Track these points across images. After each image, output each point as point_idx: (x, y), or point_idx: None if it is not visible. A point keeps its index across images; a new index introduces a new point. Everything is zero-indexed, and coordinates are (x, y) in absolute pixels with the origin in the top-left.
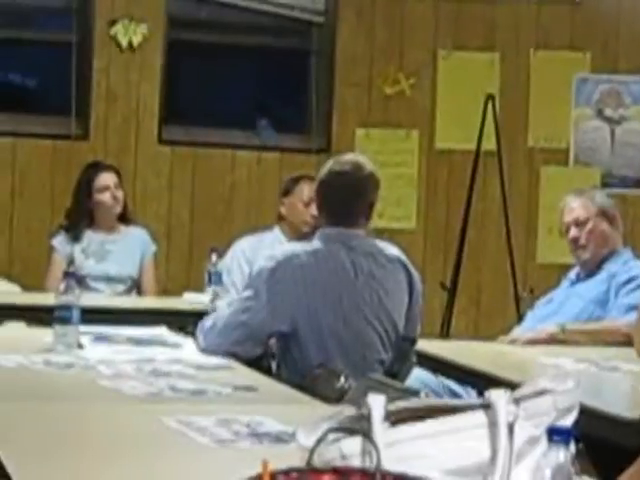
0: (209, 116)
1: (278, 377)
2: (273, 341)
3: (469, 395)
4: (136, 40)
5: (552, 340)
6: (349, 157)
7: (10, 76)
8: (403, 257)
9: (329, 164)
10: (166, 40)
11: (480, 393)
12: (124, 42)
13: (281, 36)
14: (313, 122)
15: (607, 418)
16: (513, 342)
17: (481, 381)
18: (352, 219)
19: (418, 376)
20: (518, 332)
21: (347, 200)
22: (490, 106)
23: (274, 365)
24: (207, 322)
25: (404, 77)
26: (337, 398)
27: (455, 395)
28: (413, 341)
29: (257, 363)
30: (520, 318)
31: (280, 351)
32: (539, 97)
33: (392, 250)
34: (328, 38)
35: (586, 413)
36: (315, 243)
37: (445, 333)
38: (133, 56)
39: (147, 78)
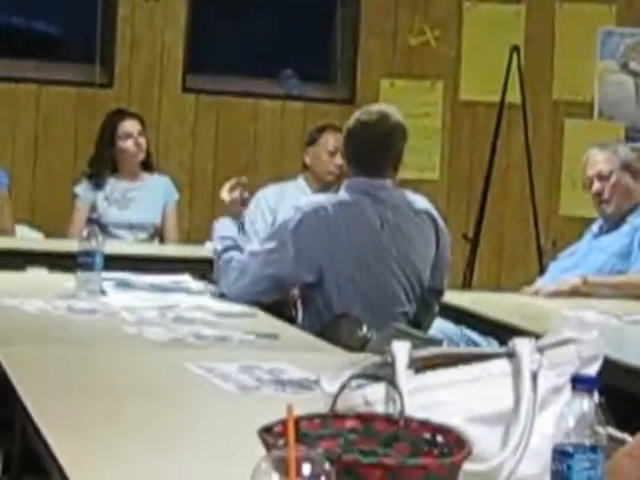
0: (233, 65)
1: (300, 326)
2: (296, 290)
3: (491, 346)
4: None
5: (574, 292)
6: (377, 107)
7: (35, 23)
8: (432, 209)
9: (356, 114)
10: None
11: (502, 344)
12: None
13: None
14: (338, 72)
15: (629, 370)
16: (536, 293)
17: (503, 332)
18: (379, 170)
19: (439, 326)
20: (541, 284)
21: (374, 151)
22: (515, 58)
23: (296, 314)
24: (232, 273)
25: (429, 28)
26: (359, 347)
27: (476, 346)
28: (439, 293)
29: (279, 312)
30: (542, 270)
31: (303, 300)
32: (564, 50)
33: (421, 202)
34: None
35: (608, 365)
36: (341, 194)
37: (467, 284)
38: (157, 4)
39: (171, 26)
